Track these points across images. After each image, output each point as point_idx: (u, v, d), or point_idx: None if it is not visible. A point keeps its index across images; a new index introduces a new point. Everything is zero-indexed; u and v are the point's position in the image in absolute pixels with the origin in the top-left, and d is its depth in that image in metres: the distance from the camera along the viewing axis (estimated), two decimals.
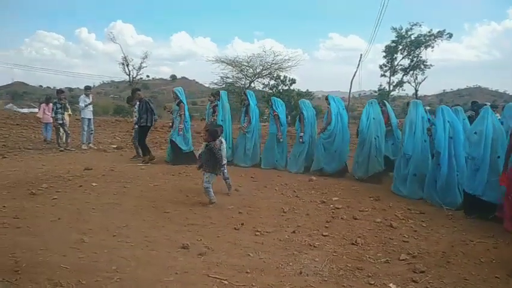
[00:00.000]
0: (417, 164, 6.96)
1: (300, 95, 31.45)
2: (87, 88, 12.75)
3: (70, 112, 12.11)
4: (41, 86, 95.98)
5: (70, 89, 66.33)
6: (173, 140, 9.28)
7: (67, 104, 11.71)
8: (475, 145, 5.73)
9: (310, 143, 9.29)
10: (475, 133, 5.76)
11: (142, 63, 38.88)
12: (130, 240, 4.23)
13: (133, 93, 10.27)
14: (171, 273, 3.43)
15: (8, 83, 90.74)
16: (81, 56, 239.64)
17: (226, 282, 3.32)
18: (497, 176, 5.36)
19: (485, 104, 8.75)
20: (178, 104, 9.34)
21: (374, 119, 8.47)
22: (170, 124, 9.62)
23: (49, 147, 11.07)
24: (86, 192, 6.21)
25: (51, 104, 11.73)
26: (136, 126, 9.73)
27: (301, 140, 9.15)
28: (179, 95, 9.38)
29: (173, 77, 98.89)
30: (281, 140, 9.39)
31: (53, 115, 11.00)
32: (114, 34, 52.04)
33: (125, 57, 37.82)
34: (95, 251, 3.82)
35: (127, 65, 37.98)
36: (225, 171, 6.46)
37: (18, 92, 73.21)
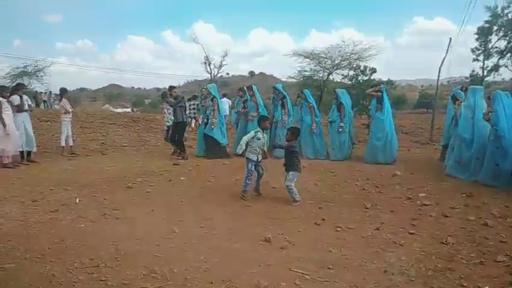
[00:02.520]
0: (479, 148, 7.10)
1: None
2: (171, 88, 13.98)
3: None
4: (132, 87, 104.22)
5: (158, 89, 70.78)
6: (210, 134, 9.64)
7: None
8: None
9: (351, 131, 9.84)
10: None
11: (222, 61, 40.14)
12: (216, 231, 4.46)
13: (170, 90, 10.47)
14: (255, 265, 3.55)
15: (104, 86, 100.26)
16: (167, 58, 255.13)
17: (308, 277, 3.35)
18: None
19: None
20: (211, 100, 9.77)
21: None
22: (205, 120, 9.86)
23: (141, 144, 11.99)
24: (175, 186, 6.69)
25: None
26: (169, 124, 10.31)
27: (340, 129, 9.45)
28: (211, 91, 9.85)
29: (252, 73, 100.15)
30: (315, 131, 9.73)
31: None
32: (196, 35, 53.96)
33: (207, 57, 39.33)
34: (185, 241, 4.10)
35: (209, 64, 39.50)
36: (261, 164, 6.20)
37: (113, 94, 79.87)
